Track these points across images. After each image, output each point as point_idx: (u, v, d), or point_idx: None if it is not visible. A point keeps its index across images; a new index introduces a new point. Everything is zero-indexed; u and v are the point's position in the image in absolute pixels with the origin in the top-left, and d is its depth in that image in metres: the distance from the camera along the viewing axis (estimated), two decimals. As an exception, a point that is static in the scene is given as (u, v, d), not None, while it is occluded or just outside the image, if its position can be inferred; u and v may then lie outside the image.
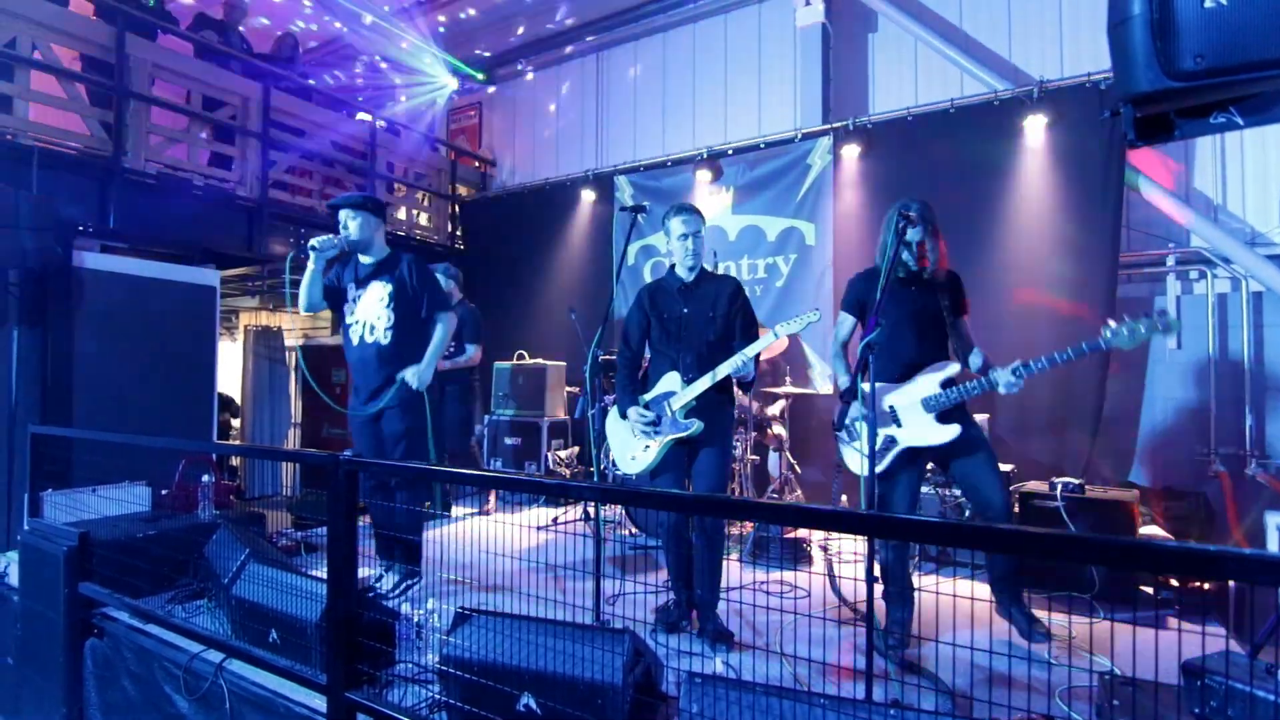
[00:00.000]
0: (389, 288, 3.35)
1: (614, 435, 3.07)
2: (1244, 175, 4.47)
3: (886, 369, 2.78)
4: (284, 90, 5.86)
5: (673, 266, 3.02)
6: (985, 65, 5.15)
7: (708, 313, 2.91)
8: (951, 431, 2.66)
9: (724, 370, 2.81)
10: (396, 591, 3.27)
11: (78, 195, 4.47)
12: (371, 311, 3.35)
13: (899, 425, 2.75)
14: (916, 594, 2.76)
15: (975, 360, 2.81)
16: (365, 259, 3.43)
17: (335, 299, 3.44)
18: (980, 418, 3.72)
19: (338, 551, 2.17)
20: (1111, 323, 2.51)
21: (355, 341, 3.38)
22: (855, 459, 2.80)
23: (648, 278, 6.00)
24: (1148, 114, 1.36)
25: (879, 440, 2.74)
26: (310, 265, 3.30)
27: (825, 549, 4.08)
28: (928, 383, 2.73)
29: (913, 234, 2.72)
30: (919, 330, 2.78)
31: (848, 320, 2.97)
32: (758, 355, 2.83)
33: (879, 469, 2.73)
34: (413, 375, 3.30)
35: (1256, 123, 1.35)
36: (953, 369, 2.72)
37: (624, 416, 2.99)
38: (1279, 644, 1.86)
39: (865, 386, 2.67)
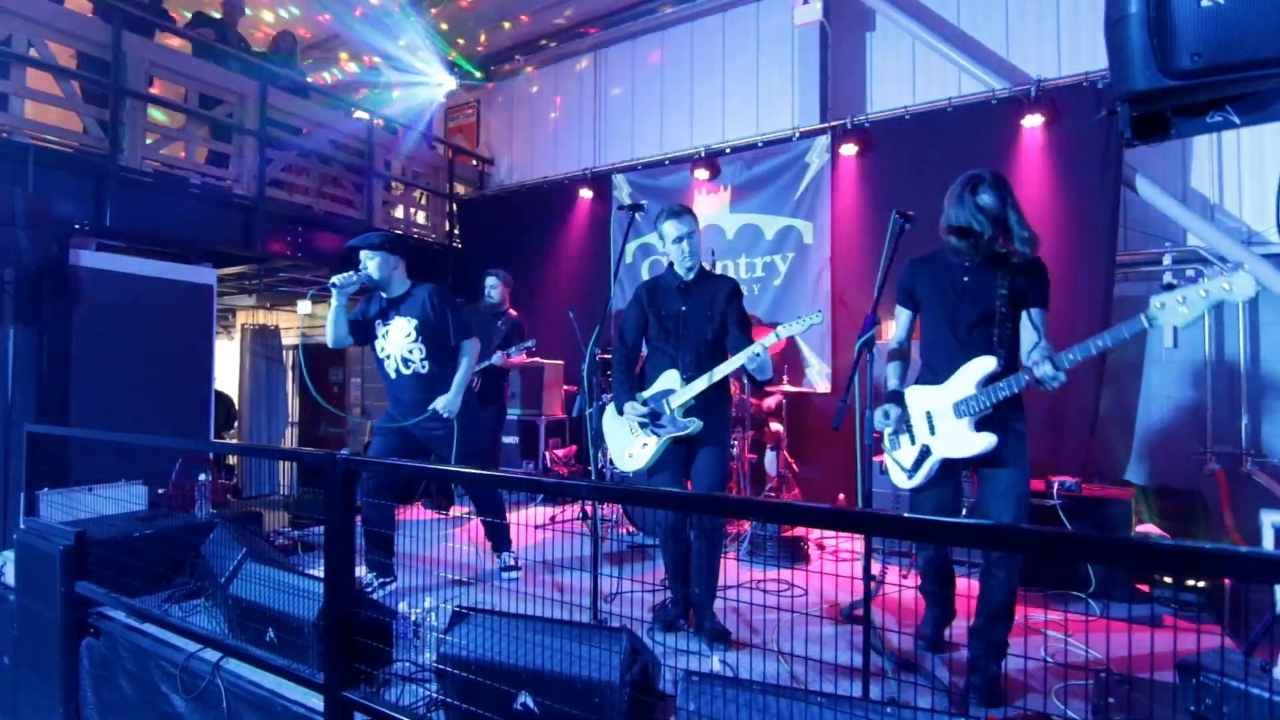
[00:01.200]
0: (414, 322, 3.45)
1: (611, 432, 3.07)
2: (1240, 174, 4.48)
3: (930, 367, 2.55)
4: (281, 88, 5.85)
5: (672, 264, 3.01)
6: (983, 64, 5.15)
7: (706, 311, 2.91)
8: (985, 441, 2.33)
9: (720, 373, 2.81)
10: (374, 584, 3.31)
11: (74, 193, 4.45)
12: (400, 345, 3.46)
13: (933, 434, 2.46)
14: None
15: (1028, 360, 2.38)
16: (386, 295, 3.52)
17: (362, 333, 3.54)
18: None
19: (335, 550, 2.17)
20: (1159, 299, 2.00)
21: (392, 374, 3.52)
22: (893, 469, 2.62)
23: (645, 276, 6.00)
24: (1144, 112, 1.36)
25: (916, 451, 2.52)
26: (333, 302, 3.38)
27: (823, 546, 4.08)
28: (963, 383, 2.40)
29: (987, 198, 2.36)
30: (970, 323, 2.44)
31: (902, 314, 2.67)
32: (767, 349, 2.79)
33: (915, 482, 2.52)
34: (443, 405, 3.42)
35: (1253, 121, 1.35)
36: (989, 365, 2.35)
37: (620, 412, 2.98)
38: (1273, 642, 1.86)
39: (906, 389, 2.60)
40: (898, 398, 2.60)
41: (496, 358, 4.79)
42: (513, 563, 3.62)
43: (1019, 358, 2.44)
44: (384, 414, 3.59)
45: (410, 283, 3.54)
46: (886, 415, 2.56)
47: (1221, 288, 1.87)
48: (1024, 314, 2.43)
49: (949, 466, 2.48)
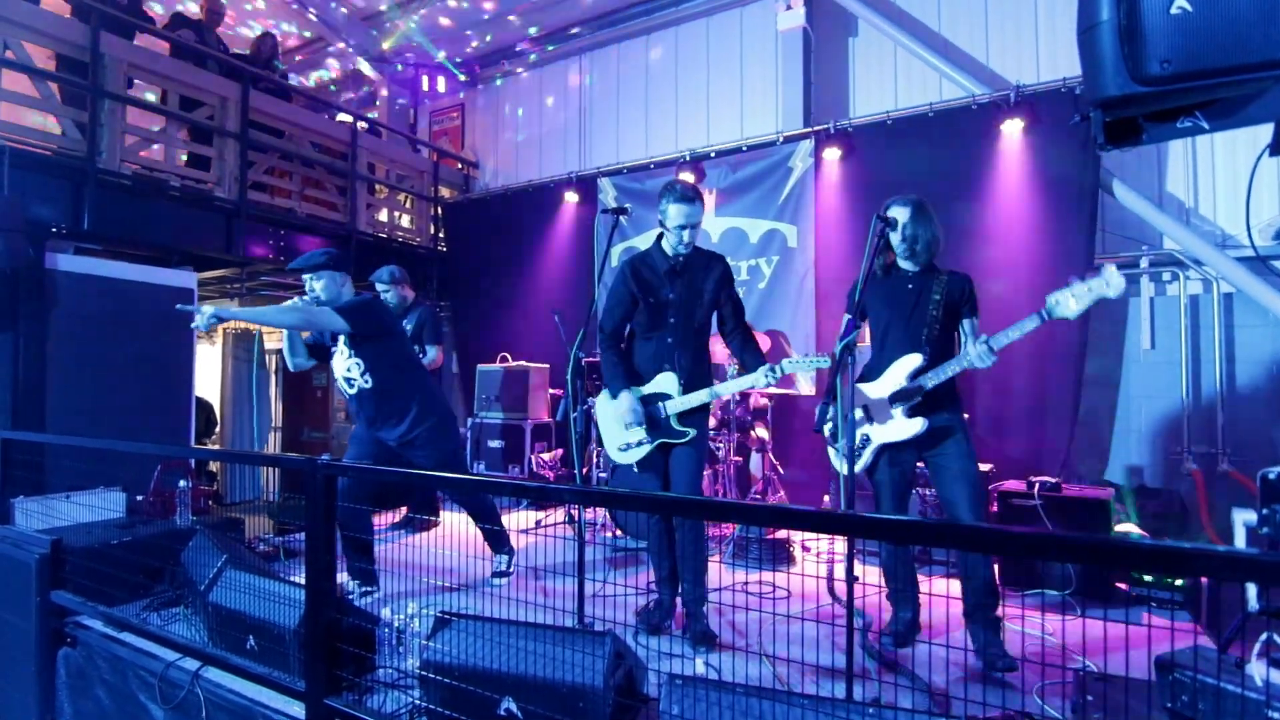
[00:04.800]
0: (343, 338, 3.35)
1: (605, 422, 3.00)
2: (1215, 178, 4.55)
3: (877, 367, 2.80)
4: (263, 90, 5.81)
5: (660, 238, 2.91)
6: (963, 69, 5.21)
7: (696, 298, 2.88)
8: (916, 426, 2.63)
9: (723, 391, 2.87)
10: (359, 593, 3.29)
11: (51, 196, 4.39)
12: (343, 365, 3.37)
13: (871, 422, 2.77)
14: (925, 596, 2.82)
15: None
16: None
17: (320, 354, 3.47)
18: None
19: (316, 556, 2.15)
20: (1055, 295, 2.40)
21: (345, 391, 3.44)
22: (833, 457, 2.83)
23: (631, 280, 5.99)
24: (1116, 118, 1.38)
25: (858, 439, 2.76)
26: (284, 332, 3.32)
27: (808, 549, 4.10)
28: (894, 376, 2.71)
29: (897, 215, 2.70)
30: (905, 328, 2.73)
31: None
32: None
33: (860, 466, 2.76)
34: (208, 308, 3.02)
35: (1221, 127, 1.37)
36: (916, 360, 2.67)
37: (614, 396, 2.90)
38: (1245, 639, 1.89)
39: (872, 387, 2.78)
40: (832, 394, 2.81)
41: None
42: (505, 568, 3.60)
43: (949, 352, 2.72)
44: (354, 434, 3.54)
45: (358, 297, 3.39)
46: (825, 417, 2.79)
47: (1102, 285, 2.26)
48: (960, 324, 2.74)
49: (894, 455, 2.73)
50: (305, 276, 3.27)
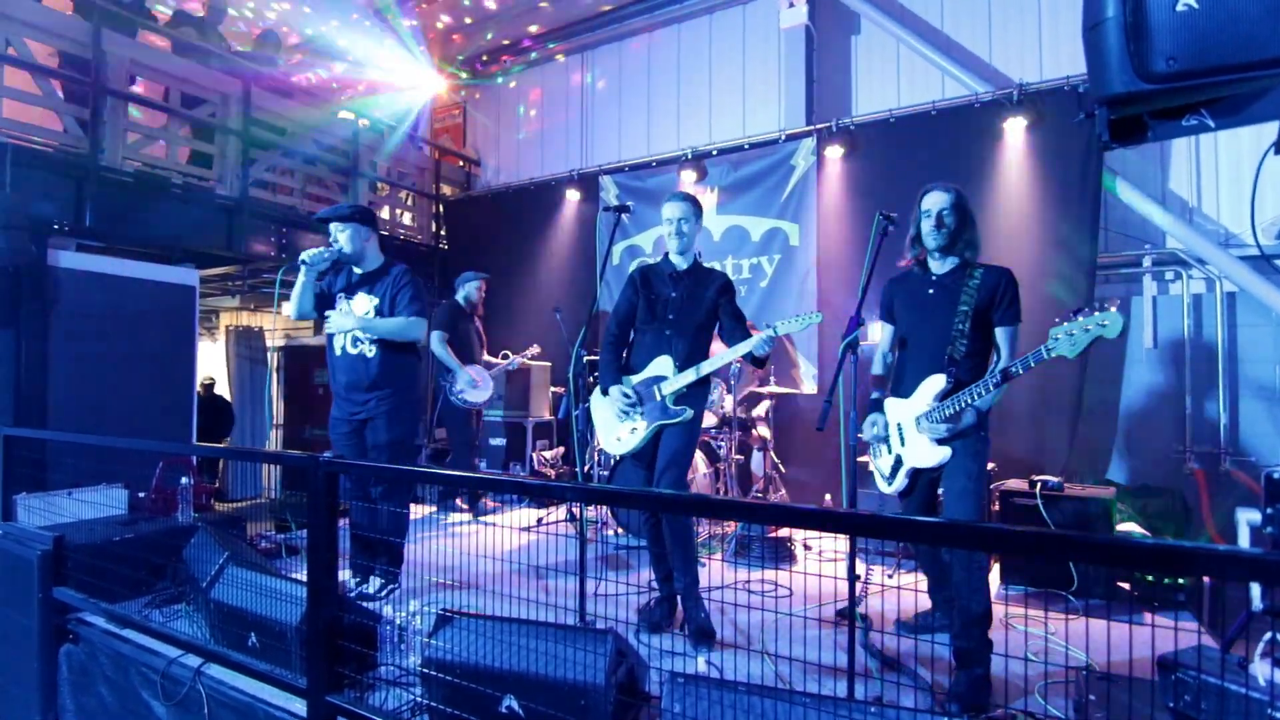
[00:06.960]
0: (375, 301, 3.34)
1: (600, 416, 3.07)
2: (1218, 177, 4.54)
3: (899, 380, 2.67)
4: (265, 88, 5.80)
5: (667, 253, 3.06)
6: (966, 68, 5.20)
7: (697, 300, 2.95)
8: (942, 454, 2.46)
9: (718, 363, 2.85)
10: (381, 594, 3.25)
11: (53, 193, 4.39)
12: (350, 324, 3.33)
13: (903, 444, 2.60)
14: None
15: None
16: (358, 269, 3.41)
17: (325, 306, 3.40)
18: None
19: (318, 553, 2.15)
20: (1057, 334, 2.18)
21: (338, 351, 3.35)
22: (876, 476, 2.76)
23: (632, 278, 5.99)
24: (1122, 116, 1.37)
25: (892, 459, 2.65)
26: (301, 278, 3.27)
27: (809, 547, 4.10)
28: (923, 398, 2.52)
29: (933, 202, 2.51)
30: (928, 341, 2.55)
31: (885, 329, 2.82)
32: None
33: (895, 488, 2.65)
34: (339, 320, 3.27)
35: (1227, 125, 1.36)
36: (940, 383, 2.47)
37: (605, 393, 3.00)
38: (1249, 638, 1.89)
39: (885, 400, 2.67)
40: (879, 407, 2.70)
41: (514, 362, 5.33)
42: (384, 592, 3.27)
43: (984, 369, 2.51)
44: (331, 415, 3.43)
45: (385, 259, 3.42)
46: (874, 424, 2.69)
47: (1100, 324, 2.11)
48: (994, 331, 2.51)
49: (922, 475, 2.60)
50: (332, 226, 3.31)
